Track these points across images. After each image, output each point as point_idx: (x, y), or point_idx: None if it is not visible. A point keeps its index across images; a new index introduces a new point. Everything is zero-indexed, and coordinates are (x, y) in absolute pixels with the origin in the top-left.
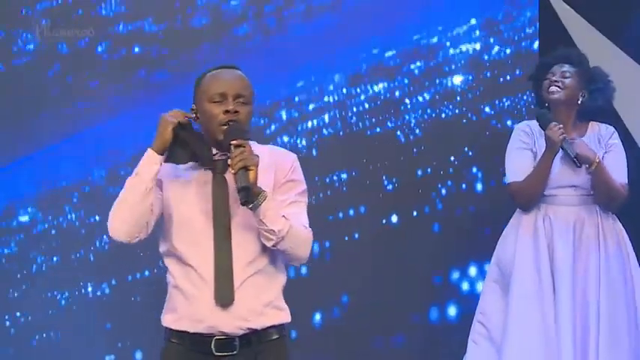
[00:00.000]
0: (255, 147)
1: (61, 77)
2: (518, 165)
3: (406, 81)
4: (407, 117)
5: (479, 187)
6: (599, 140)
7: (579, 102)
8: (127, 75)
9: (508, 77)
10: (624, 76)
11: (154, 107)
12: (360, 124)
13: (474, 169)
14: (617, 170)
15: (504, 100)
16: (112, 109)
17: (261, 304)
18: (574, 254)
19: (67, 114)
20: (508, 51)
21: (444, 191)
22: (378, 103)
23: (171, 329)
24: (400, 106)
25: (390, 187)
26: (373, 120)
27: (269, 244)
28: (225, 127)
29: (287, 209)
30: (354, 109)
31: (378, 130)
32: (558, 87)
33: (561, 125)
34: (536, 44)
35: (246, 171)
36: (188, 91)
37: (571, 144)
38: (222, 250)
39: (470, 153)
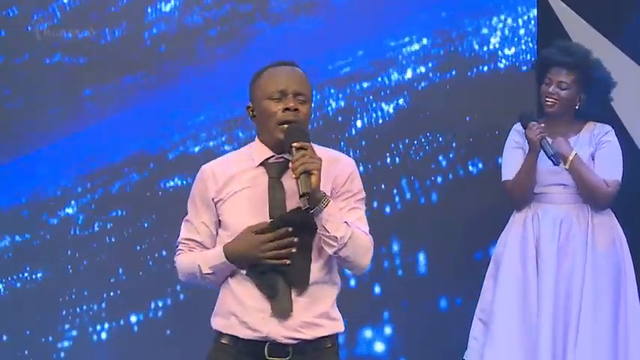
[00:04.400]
0: (316, 149)
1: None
2: (510, 164)
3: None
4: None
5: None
6: (591, 138)
7: (577, 107)
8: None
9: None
10: (622, 75)
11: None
12: None
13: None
14: (607, 167)
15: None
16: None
17: (314, 315)
18: (558, 252)
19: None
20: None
21: None
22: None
23: (221, 332)
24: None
25: None
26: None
27: (330, 250)
28: (285, 126)
29: (347, 216)
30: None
31: None
32: (554, 99)
33: (542, 125)
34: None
35: (308, 175)
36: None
37: (550, 143)
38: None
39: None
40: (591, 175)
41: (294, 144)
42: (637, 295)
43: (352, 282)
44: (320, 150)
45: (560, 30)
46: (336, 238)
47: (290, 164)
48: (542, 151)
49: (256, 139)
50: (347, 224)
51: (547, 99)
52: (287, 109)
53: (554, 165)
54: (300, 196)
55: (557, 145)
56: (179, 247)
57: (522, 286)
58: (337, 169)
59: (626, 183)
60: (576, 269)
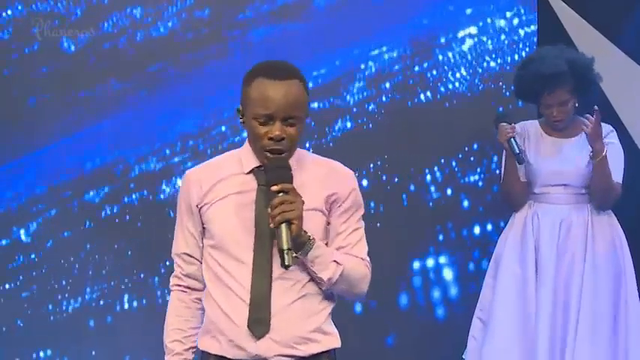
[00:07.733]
0: (310, 160)
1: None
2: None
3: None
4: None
5: None
6: None
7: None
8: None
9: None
10: (622, 75)
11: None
12: None
13: None
14: (612, 169)
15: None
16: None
17: (307, 330)
18: (558, 252)
19: None
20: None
21: None
22: None
23: (209, 353)
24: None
25: None
26: None
27: (321, 287)
28: (269, 153)
29: (348, 239)
30: None
31: None
32: (562, 119)
33: (512, 125)
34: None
35: (288, 226)
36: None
37: (517, 141)
38: (260, 273)
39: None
40: (611, 175)
41: (273, 187)
42: (637, 295)
43: None
44: (316, 160)
45: (560, 30)
46: (323, 279)
47: (269, 209)
48: (548, 154)
49: (247, 143)
50: (336, 263)
51: (554, 120)
52: (271, 138)
53: (519, 164)
54: (279, 251)
55: (594, 140)
56: (174, 274)
57: (521, 286)
58: (338, 183)
59: (627, 183)
60: (575, 269)
